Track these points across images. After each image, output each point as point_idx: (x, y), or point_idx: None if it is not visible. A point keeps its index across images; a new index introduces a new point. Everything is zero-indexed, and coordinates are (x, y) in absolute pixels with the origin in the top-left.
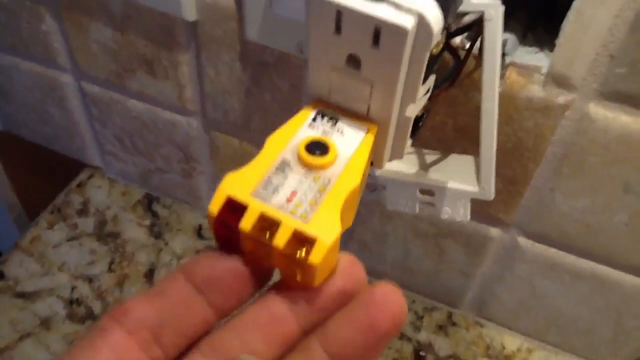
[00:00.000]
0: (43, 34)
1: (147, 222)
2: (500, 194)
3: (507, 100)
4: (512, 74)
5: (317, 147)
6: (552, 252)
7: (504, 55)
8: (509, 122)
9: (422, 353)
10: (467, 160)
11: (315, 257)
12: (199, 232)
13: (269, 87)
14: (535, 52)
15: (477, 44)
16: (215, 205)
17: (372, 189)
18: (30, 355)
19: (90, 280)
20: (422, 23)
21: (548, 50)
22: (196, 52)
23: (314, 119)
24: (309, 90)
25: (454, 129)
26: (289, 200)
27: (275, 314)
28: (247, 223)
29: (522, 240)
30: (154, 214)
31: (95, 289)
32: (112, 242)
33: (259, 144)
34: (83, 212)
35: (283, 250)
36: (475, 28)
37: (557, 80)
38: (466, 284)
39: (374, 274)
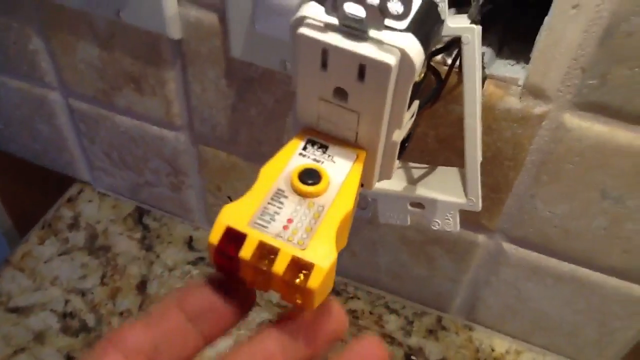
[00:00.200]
0: (30, 53)
1: (138, 235)
2: (484, 201)
3: (486, 111)
4: (490, 86)
5: (310, 176)
6: (535, 256)
7: (483, 68)
8: (488, 132)
9: (413, 357)
10: (453, 172)
11: (314, 282)
12: (189, 244)
13: (254, 101)
14: (512, 65)
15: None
16: (215, 236)
17: (363, 206)
18: None
19: (82, 293)
20: (404, 58)
21: (524, 62)
22: (182, 69)
23: (305, 148)
24: (298, 119)
25: (436, 140)
26: (285, 227)
27: (268, 355)
28: (246, 252)
29: (506, 246)
30: (145, 227)
31: (88, 302)
32: (104, 256)
33: (246, 157)
34: (74, 226)
35: (282, 277)
36: (455, 45)
37: (533, 92)
38: (454, 289)
39: (365, 281)
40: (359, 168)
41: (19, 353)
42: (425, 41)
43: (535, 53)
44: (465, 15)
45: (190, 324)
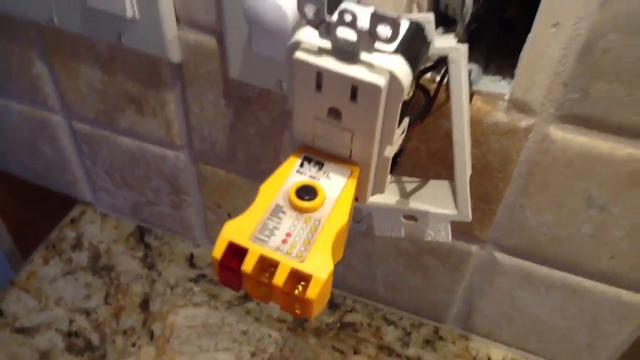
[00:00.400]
0: (34, 77)
1: (140, 253)
2: (475, 212)
3: (474, 125)
4: (478, 102)
5: (306, 192)
6: (527, 264)
7: (470, 84)
8: (477, 146)
9: None
10: (444, 185)
11: (312, 292)
12: (190, 261)
13: (252, 120)
14: (499, 80)
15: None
16: (218, 251)
17: (358, 219)
18: None
19: (87, 313)
20: (393, 79)
21: (510, 78)
22: (182, 91)
23: (302, 165)
24: (294, 137)
25: (427, 154)
26: (284, 241)
27: None
28: (248, 265)
29: (499, 255)
30: (147, 246)
31: (93, 321)
32: (107, 275)
33: (244, 175)
34: (77, 246)
35: (282, 289)
36: (443, 64)
37: (518, 106)
38: (450, 299)
39: (363, 293)
40: (352, 183)
41: None
42: (413, 62)
43: (519, 69)
44: (451, 35)
45: None
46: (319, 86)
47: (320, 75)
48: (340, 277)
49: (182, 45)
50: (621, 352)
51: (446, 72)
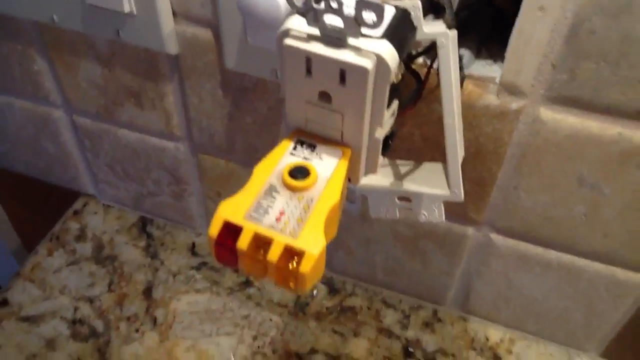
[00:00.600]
0: (35, 74)
1: (143, 243)
2: (470, 194)
3: (467, 108)
4: (469, 85)
5: (299, 172)
6: (522, 245)
7: (461, 69)
8: (470, 129)
9: (410, 349)
10: (437, 167)
11: (305, 267)
12: (192, 250)
13: (249, 110)
14: (491, 65)
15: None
16: (214, 229)
17: (352, 200)
18: None
19: (91, 301)
20: (380, 62)
21: (501, 62)
22: (180, 83)
23: (295, 147)
24: (287, 122)
25: (421, 139)
26: (278, 219)
27: None
28: (243, 243)
29: (494, 236)
30: (149, 235)
31: (97, 308)
32: (110, 264)
33: (243, 163)
34: (81, 237)
35: (277, 264)
36: (434, 49)
37: (509, 89)
38: (448, 282)
39: (362, 278)
40: (344, 164)
41: None
42: (399, 46)
43: (509, 52)
44: (441, 21)
45: None
46: (308, 71)
47: (309, 60)
48: (340, 263)
49: (179, 39)
50: (616, 332)
51: (436, 56)
